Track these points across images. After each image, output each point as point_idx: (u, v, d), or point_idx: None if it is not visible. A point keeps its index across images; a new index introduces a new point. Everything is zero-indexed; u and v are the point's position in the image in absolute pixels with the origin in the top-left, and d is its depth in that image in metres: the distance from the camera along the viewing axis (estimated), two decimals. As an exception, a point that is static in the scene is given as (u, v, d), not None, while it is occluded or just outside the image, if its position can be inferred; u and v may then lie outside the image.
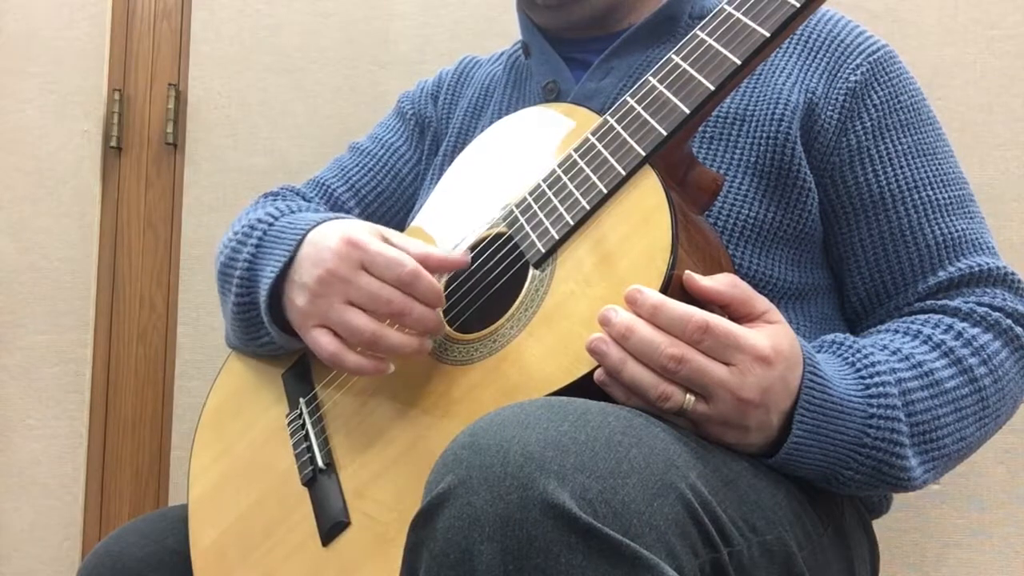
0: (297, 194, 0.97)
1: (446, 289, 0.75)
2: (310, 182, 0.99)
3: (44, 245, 1.47)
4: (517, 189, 0.75)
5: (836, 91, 0.79)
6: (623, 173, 0.66)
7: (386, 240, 0.72)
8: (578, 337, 0.61)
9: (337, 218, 0.79)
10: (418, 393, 0.69)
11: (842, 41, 0.81)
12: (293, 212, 0.86)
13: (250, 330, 0.83)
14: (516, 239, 0.71)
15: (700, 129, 0.79)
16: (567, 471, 0.48)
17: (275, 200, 0.95)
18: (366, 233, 0.71)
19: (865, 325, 0.81)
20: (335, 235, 0.72)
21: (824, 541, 0.68)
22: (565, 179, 0.70)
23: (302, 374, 0.81)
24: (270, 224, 0.83)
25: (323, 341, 0.71)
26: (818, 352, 0.69)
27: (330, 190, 0.97)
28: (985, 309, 0.74)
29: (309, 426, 0.76)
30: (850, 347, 0.69)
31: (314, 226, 0.77)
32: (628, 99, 0.69)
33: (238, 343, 0.88)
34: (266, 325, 0.80)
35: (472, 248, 0.76)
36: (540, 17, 0.92)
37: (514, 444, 0.49)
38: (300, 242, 0.76)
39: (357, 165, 0.99)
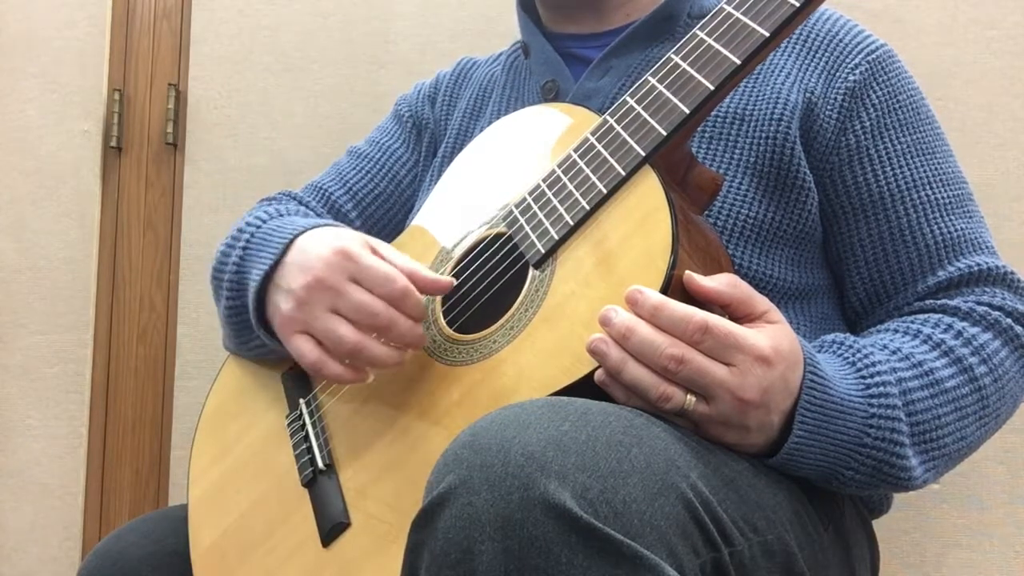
0: (295, 199, 0.97)
1: (446, 289, 0.75)
2: (308, 187, 0.99)
3: (44, 245, 1.47)
4: (516, 189, 0.75)
5: (835, 91, 0.79)
6: (623, 173, 0.66)
7: (376, 252, 0.72)
8: (578, 337, 0.61)
9: (326, 225, 0.79)
10: (418, 394, 0.69)
11: (841, 40, 0.81)
12: (282, 216, 0.86)
13: (242, 334, 0.83)
14: (516, 239, 0.71)
15: (699, 129, 0.79)
16: (568, 471, 0.48)
17: (269, 205, 0.95)
18: (358, 245, 0.71)
19: (865, 325, 0.81)
20: (326, 244, 0.72)
21: (824, 541, 0.69)
22: (565, 179, 0.69)
23: (302, 375, 0.81)
24: (257, 227, 0.83)
25: (305, 348, 0.71)
26: (818, 352, 0.69)
27: (328, 194, 0.97)
28: (985, 308, 0.74)
29: (309, 427, 0.76)
30: (850, 347, 0.70)
31: (302, 231, 0.77)
32: (628, 99, 0.69)
33: (232, 347, 0.88)
34: (255, 329, 0.80)
35: (471, 249, 0.76)
36: None
37: (515, 444, 0.49)
38: (287, 246, 0.76)
39: (355, 169, 1.00)
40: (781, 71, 0.81)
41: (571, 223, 0.67)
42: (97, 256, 1.47)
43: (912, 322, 0.75)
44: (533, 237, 0.69)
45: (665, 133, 0.65)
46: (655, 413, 0.59)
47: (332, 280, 0.70)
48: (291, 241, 0.76)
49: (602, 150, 0.68)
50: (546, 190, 0.71)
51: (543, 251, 0.68)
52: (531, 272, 0.68)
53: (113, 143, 1.47)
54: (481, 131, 0.88)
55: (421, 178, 0.99)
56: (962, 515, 1.16)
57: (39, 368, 1.46)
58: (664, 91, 0.67)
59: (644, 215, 0.63)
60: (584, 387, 0.60)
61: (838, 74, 0.80)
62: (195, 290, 1.43)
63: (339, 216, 0.97)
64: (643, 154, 0.65)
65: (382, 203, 0.98)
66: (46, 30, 1.51)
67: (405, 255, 0.72)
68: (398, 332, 0.69)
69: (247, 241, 0.82)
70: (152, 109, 1.48)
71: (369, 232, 0.90)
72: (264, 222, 0.83)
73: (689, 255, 0.62)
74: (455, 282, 0.72)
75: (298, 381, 0.81)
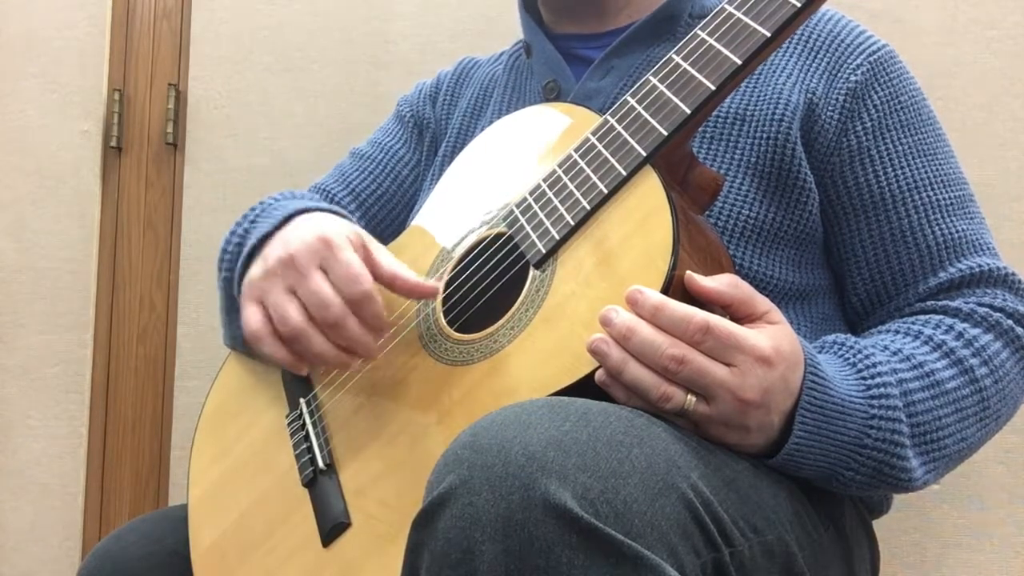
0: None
1: (446, 289, 0.75)
2: (311, 189, 1.00)
3: (44, 245, 1.47)
4: (517, 189, 0.75)
5: (836, 91, 0.79)
6: (624, 173, 0.66)
7: (365, 251, 0.71)
8: (579, 338, 0.61)
9: (332, 211, 0.79)
10: (419, 394, 0.69)
11: (842, 41, 0.81)
12: (296, 198, 0.87)
13: (231, 312, 0.83)
14: (516, 239, 0.71)
15: (700, 129, 0.79)
16: (568, 471, 0.48)
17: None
18: (343, 237, 0.71)
19: (866, 325, 0.81)
20: (314, 228, 0.72)
21: (824, 541, 0.69)
22: (565, 179, 0.69)
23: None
24: (268, 205, 0.84)
25: (253, 318, 0.72)
26: (819, 352, 0.69)
27: (331, 195, 0.98)
28: (986, 310, 0.74)
29: (309, 426, 0.76)
30: (851, 347, 0.69)
31: (303, 210, 0.78)
32: (628, 99, 0.69)
33: (227, 337, 0.88)
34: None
35: (472, 249, 0.76)
36: None
37: (515, 444, 0.49)
38: (285, 220, 0.77)
39: (357, 170, 1.00)
40: (782, 71, 0.81)
41: (572, 223, 0.67)
42: (97, 256, 1.47)
43: (913, 323, 0.75)
44: (534, 237, 0.69)
45: (666, 133, 0.65)
46: (656, 413, 0.59)
47: (301, 261, 0.70)
48: (290, 216, 0.77)
49: (603, 150, 0.68)
50: (547, 190, 0.71)
51: (544, 251, 0.68)
52: (532, 272, 0.68)
53: (113, 143, 1.47)
54: (482, 131, 0.88)
55: (423, 177, 0.99)
56: (962, 515, 1.16)
57: (39, 368, 1.46)
58: (665, 91, 0.67)
59: (645, 215, 0.63)
60: (585, 387, 0.60)
61: (839, 75, 0.80)
62: (195, 290, 1.43)
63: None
64: (644, 154, 0.65)
65: (385, 203, 0.98)
66: (46, 30, 1.51)
67: (393, 258, 0.72)
68: (346, 334, 0.69)
69: (256, 215, 0.83)
70: (152, 109, 1.48)
71: (372, 232, 0.90)
72: (276, 200, 0.84)
73: (690, 255, 0.62)
74: (439, 287, 0.72)
75: (298, 380, 0.81)
